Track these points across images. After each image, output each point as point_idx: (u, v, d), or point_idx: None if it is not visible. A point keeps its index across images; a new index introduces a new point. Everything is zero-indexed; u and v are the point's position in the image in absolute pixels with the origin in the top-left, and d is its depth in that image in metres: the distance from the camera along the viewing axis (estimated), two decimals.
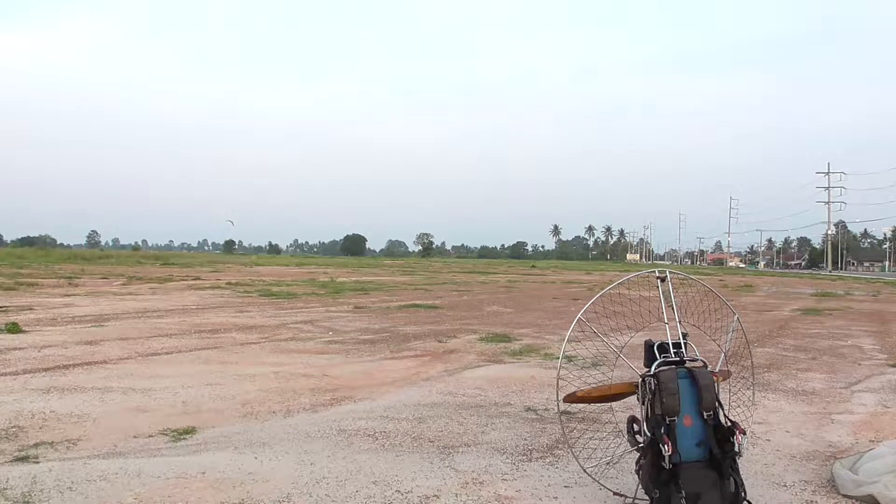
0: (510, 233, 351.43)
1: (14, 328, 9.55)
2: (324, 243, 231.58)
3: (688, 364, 3.30)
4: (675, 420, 3.11)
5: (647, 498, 3.18)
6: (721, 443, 3.13)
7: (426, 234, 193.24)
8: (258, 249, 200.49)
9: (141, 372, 6.82)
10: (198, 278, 26.74)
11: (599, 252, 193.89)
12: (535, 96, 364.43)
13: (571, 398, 3.62)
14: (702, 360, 3.35)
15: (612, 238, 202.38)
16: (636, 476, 3.34)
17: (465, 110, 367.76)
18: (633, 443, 3.34)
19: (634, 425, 3.35)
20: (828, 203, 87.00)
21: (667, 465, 3.01)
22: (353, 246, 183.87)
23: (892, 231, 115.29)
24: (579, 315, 3.62)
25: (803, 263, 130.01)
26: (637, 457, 3.33)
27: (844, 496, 3.62)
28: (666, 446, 3.01)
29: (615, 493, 3.54)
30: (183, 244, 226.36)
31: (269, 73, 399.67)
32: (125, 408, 5.35)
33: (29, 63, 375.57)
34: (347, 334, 10.28)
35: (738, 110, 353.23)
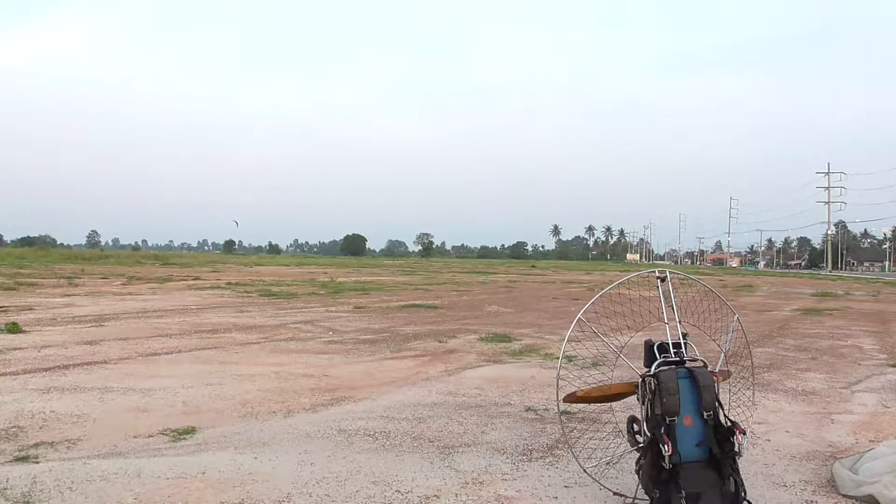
0: (510, 233, 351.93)
1: (14, 328, 9.55)
2: (324, 243, 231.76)
3: (688, 364, 3.30)
4: (675, 420, 3.11)
5: (647, 498, 3.18)
6: (721, 443, 3.14)
7: (426, 234, 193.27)
8: (258, 249, 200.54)
9: (141, 372, 6.82)
10: (198, 278, 26.74)
11: (599, 252, 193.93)
12: (535, 96, 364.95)
13: (571, 398, 3.62)
14: (702, 360, 3.35)
15: (612, 238, 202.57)
16: (636, 476, 3.34)
17: (465, 110, 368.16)
18: (633, 443, 3.34)
19: (634, 425, 3.35)
20: (828, 203, 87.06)
21: (667, 465, 3.01)
22: (353, 246, 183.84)
23: (892, 231, 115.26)
24: (579, 315, 3.62)
25: (803, 263, 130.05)
26: (637, 457, 3.33)
27: (844, 496, 3.62)
28: (666, 446, 3.01)
29: (615, 493, 3.54)
30: (183, 244, 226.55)
31: (269, 73, 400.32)
32: (125, 408, 5.35)
33: (29, 63, 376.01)
34: (347, 334, 10.28)
35: (738, 110, 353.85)
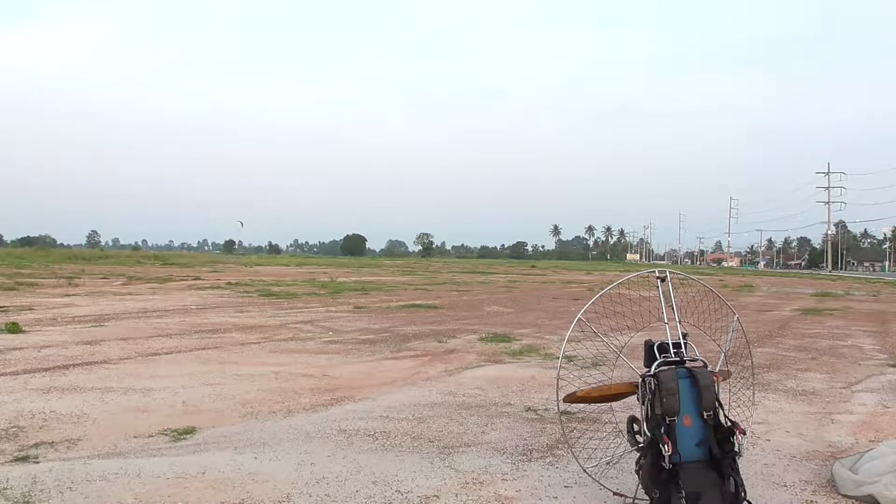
0: (510, 233, 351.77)
1: (14, 328, 9.55)
2: (324, 243, 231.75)
3: (688, 364, 3.30)
4: (675, 420, 3.11)
5: (647, 498, 3.18)
6: (721, 443, 3.14)
7: (426, 234, 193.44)
8: (258, 249, 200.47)
9: (141, 372, 6.82)
10: (198, 278, 26.74)
11: (599, 252, 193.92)
12: (535, 96, 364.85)
13: (571, 398, 3.62)
14: (702, 360, 3.35)
15: (612, 238, 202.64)
16: (636, 476, 3.34)
17: (465, 110, 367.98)
18: (633, 443, 3.34)
19: (634, 425, 3.35)
20: (828, 203, 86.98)
21: (667, 465, 3.01)
22: (353, 246, 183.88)
23: (892, 231, 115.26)
24: (579, 315, 3.62)
25: (803, 263, 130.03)
26: (637, 457, 3.33)
27: (844, 496, 3.62)
28: (666, 446, 3.01)
29: (615, 493, 3.54)
30: (183, 244, 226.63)
31: (270, 73, 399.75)
32: (125, 408, 5.35)
33: (29, 63, 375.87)
34: (347, 334, 10.28)
35: (738, 110, 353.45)
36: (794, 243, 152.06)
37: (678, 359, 3.30)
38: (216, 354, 8.09)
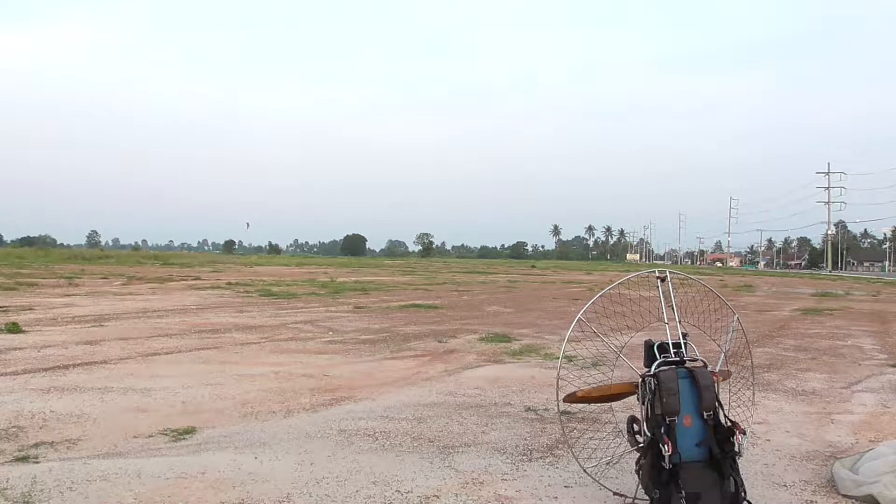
0: (510, 233, 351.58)
1: (14, 328, 9.55)
2: (324, 243, 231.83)
3: (688, 364, 3.30)
4: (675, 420, 3.11)
5: (647, 498, 3.18)
6: (721, 443, 3.14)
7: (426, 234, 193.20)
8: (258, 249, 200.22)
9: (141, 372, 6.82)
10: (198, 278, 26.74)
11: (599, 252, 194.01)
12: (536, 96, 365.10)
13: (571, 398, 3.62)
14: (702, 360, 3.35)
15: (612, 238, 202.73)
16: (636, 476, 3.34)
17: (465, 110, 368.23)
18: (633, 443, 3.34)
19: (634, 425, 3.35)
20: (828, 203, 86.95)
21: (667, 465, 3.01)
22: (353, 246, 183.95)
23: (892, 231, 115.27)
24: (579, 315, 3.62)
25: (803, 263, 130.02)
26: (637, 457, 3.33)
27: (844, 496, 3.62)
28: (666, 446, 3.01)
29: (615, 493, 3.54)
30: (183, 244, 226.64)
31: (269, 73, 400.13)
32: (125, 408, 5.35)
33: (29, 63, 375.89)
34: (347, 334, 10.28)
35: (738, 110, 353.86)
36: (794, 243, 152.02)
37: (678, 359, 3.30)
38: (216, 354, 8.09)
